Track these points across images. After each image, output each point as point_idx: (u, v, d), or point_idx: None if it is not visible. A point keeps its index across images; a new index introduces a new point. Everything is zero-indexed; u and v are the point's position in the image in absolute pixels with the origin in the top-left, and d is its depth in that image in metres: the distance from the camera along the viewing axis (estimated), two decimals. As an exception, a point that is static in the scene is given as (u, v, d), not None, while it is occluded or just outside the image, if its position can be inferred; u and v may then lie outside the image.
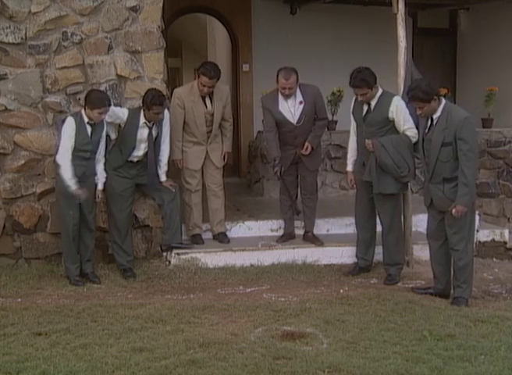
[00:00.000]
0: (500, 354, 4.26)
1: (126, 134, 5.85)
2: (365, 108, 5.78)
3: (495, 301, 5.59)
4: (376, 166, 5.67)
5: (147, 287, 5.75)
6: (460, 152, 5.06)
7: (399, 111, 5.64)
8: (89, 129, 5.60)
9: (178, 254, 6.22)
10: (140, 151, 5.92)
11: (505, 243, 7.05)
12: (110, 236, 6.09)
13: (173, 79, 17.29)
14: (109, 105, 5.60)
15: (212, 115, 6.32)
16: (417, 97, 5.09)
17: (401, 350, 4.29)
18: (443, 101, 5.19)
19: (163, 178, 6.12)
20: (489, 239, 7.03)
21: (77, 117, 5.57)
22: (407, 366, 4.01)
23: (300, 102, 6.13)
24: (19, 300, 5.35)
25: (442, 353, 4.25)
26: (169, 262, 6.24)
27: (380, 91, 5.73)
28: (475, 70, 9.68)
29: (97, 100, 5.53)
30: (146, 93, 5.81)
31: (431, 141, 5.20)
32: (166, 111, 6.01)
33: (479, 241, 6.95)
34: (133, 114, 5.85)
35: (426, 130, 5.27)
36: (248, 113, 9.55)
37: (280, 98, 6.14)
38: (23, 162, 6.01)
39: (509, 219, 8.24)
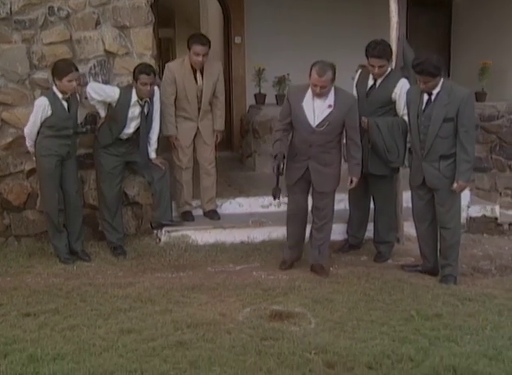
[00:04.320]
0: (486, 333, 4.30)
1: (116, 113, 5.79)
2: (370, 83, 5.71)
3: (483, 278, 5.61)
4: (368, 145, 5.64)
5: (137, 265, 5.74)
6: (463, 128, 5.05)
7: (403, 94, 5.53)
8: (65, 104, 5.55)
9: (168, 231, 6.21)
10: (130, 129, 5.87)
11: (496, 219, 7.04)
12: (100, 214, 6.07)
13: (166, 49, 17.14)
14: (76, 70, 5.53)
15: (202, 90, 6.27)
16: (427, 71, 4.98)
17: (388, 330, 4.32)
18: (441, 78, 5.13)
19: (153, 156, 6.07)
20: (480, 215, 7.00)
21: (50, 95, 5.51)
22: (394, 347, 4.03)
23: (329, 106, 5.19)
24: (9, 279, 5.36)
25: (428, 333, 4.28)
26: (160, 239, 6.23)
27: (388, 70, 5.67)
28: (470, 43, 9.58)
29: (62, 68, 5.47)
30: (136, 66, 5.77)
31: (430, 117, 5.13)
32: (157, 88, 5.94)
33: (470, 217, 6.94)
34: (125, 93, 5.78)
35: (423, 106, 5.19)
36: (240, 87, 9.45)
37: (308, 93, 5.22)
38: (11, 139, 5.96)
39: (501, 193, 8.25)
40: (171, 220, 6.21)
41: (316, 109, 5.19)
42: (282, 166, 5.21)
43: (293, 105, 5.29)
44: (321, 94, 5.12)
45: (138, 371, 3.67)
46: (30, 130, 5.54)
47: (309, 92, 5.20)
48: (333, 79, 5.14)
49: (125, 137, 5.90)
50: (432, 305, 4.80)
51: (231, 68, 9.55)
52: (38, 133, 5.54)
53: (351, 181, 5.41)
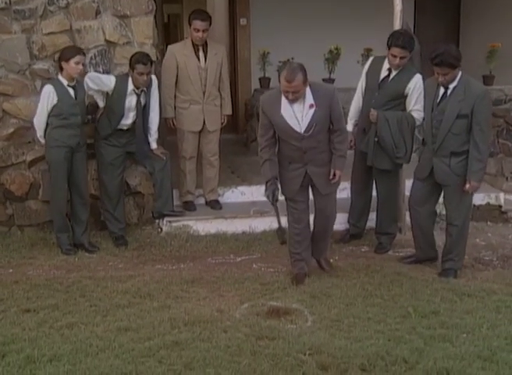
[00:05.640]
0: (482, 332, 4.28)
1: (114, 102, 5.78)
2: (383, 74, 5.62)
3: (484, 271, 5.59)
4: (374, 138, 5.61)
5: (138, 256, 5.78)
6: (477, 127, 4.95)
7: (416, 89, 5.47)
8: (71, 91, 5.55)
9: (170, 221, 6.24)
10: (128, 120, 5.85)
11: (500, 206, 7.01)
12: (102, 204, 6.09)
13: (174, 24, 17.02)
14: (83, 54, 5.56)
15: (206, 71, 6.26)
16: (447, 62, 4.85)
17: (384, 328, 4.32)
18: (459, 70, 5.03)
19: (154, 146, 6.07)
20: (484, 202, 6.97)
21: (55, 82, 5.52)
22: (388, 347, 4.03)
23: (311, 106, 4.75)
24: (11, 271, 5.41)
25: (424, 332, 4.27)
26: (161, 229, 6.26)
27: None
28: (479, 25, 9.38)
29: (71, 50, 5.52)
30: (132, 55, 5.75)
31: (444, 112, 5.04)
32: (154, 78, 5.92)
33: (474, 205, 6.88)
34: (121, 81, 5.76)
35: (438, 100, 5.10)
36: (246, 69, 9.34)
37: (284, 100, 4.75)
38: (12, 130, 5.97)
39: (507, 178, 8.16)
40: (172, 210, 6.22)
41: (298, 114, 4.77)
42: (277, 192, 4.89)
43: (271, 117, 4.84)
44: (295, 99, 4.68)
45: (133, 373, 3.68)
46: (39, 119, 5.56)
47: (284, 98, 4.75)
48: (305, 80, 4.64)
49: (124, 127, 5.88)
50: (430, 300, 4.79)
51: (236, 50, 9.46)
52: (47, 124, 5.55)
53: (334, 175, 4.98)
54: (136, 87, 5.76)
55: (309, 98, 4.76)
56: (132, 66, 5.67)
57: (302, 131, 4.81)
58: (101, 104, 5.86)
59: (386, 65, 5.60)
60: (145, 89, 5.82)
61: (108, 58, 6.00)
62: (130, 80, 5.74)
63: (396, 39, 5.42)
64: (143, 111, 5.87)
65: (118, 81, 5.75)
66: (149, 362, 3.82)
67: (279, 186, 5.05)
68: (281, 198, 5.09)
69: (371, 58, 5.91)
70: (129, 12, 5.97)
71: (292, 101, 4.72)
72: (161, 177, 6.06)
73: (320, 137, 4.89)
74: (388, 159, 5.68)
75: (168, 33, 16.27)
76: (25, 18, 5.81)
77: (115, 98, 5.76)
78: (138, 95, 5.80)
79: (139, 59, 5.63)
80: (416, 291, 4.97)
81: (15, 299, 4.73)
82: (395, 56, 5.46)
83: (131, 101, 5.79)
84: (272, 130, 4.91)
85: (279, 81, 4.69)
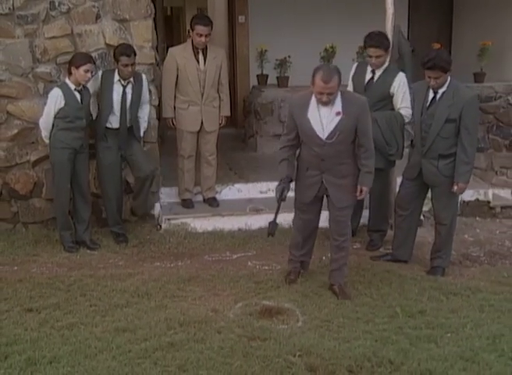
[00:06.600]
0: (466, 332, 4.44)
1: (103, 94, 5.93)
2: (368, 76, 5.79)
3: (471, 267, 5.79)
4: None
5: (137, 253, 5.97)
6: (465, 131, 5.12)
7: (400, 88, 5.65)
8: (78, 95, 5.72)
9: (169, 219, 6.43)
10: (118, 114, 5.97)
11: (488, 202, 7.24)
12: (103, 202, 6.28)
13: (177, 18, 17.10)
14: (94, 62, 5.73)
15: (205, 73, 6.41)
16: (439, 66, 5.01)
17: (372, 329, 4.47)
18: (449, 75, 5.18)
19: (142, 132, 6.21)
20: (473, 199, 7.21)
21: (63, 86, 5.69)
22: (375, 348, 4.17)
23: (338, 113, 4.65)
24: (16, 268, 5.58)
25: (410, 332, 4.42)
26: (160, 226, 6.45)
27: (387, 63, 5.77)
28: (471, 23, 9.47)
29: (82, 57, 5.69)
30: (116, 47, 5.90)
31: (433, 116, 5.20)
32: (144, 76, 6.07)
33: (463, 201, 7.10)
34: (108, 73, 5.96)
35: (427, 104, 5.26)
36: (244, 66, 9.45)
37: (313, 102, 4.69)
38: (16, 131, 6.15)
39: (496, 172, 8.33)
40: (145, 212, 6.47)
41: (323, 119, 4.67)
42: (286, 191, 4.84)
43: (297, 118, 4.77)
44: (328, 101, 4.58)
45: (129, 375, 3.87)
46: (45, 121, 5.74)
47: (313, 101, 4.68)
48: (340, 83, 4.56)
49: (116, 125, 5.98)
50: (417, 300, 4.95)
51: (235, 47, 9.56)
52: (53, 125, 5.72)
53: (361, 191, 4.88)
54: (123, 78, 5.89)
55: (338, 105, 4.66)
56: (116, 59, 5.82)
57: (324, 138, 4.73)
58: (93, 114, 5.99)
59: (370, 68, 5.79)
60: (132, 82, 5.93)
61: (108, 61, 6.13)
62: (116, 71, 5.90)
63: (370, 39, 5.64)
64: (130, 108, 5.97)
65: (105, 73, 5.96)
66: (145, 363, 3.96)
67: (294, 192, 5.11)
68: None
69: (355, 64, 6.09)
70: (128, 16, 6.12)
71: (324, 104, 4.62)
72: (142, 185, 6.15)
73: (341, 148, 4.78)
74: (380, 158, 5.79)
75: (171, 26, 16.36)
76: (28, 23, 5.96)
77: (104, 89, 5.92)
78: (124, 87, 5.93)
79: (122, 51, 5.78)
80: (404, 289, 5.14)
81: (18, 298, 4.88)
82: (370, 56, 5.67)
83: (118, 93, 5.92)
84: (295, 133, 4.88)
85: (313, 83, 4.56)
